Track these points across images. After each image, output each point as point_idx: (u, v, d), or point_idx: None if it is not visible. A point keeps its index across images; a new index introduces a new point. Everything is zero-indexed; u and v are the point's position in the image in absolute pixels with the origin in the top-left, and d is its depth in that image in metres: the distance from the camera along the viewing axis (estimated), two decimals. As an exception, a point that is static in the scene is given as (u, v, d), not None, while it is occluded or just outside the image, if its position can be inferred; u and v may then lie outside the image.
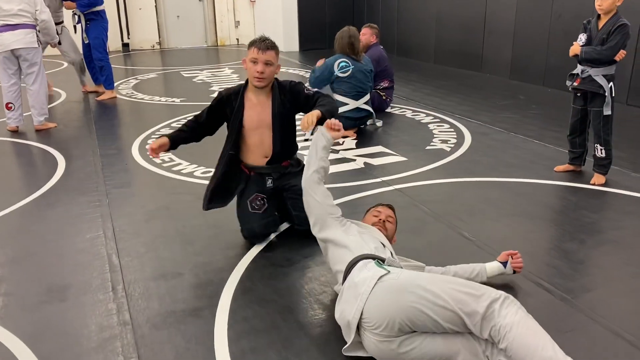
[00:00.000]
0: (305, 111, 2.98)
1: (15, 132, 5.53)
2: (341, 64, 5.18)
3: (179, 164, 4.45)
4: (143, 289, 2.61)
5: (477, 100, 6.59)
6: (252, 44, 2.97)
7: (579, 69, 3.78)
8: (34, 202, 3.76)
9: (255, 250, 2.97)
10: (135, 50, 12.39)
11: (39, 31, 5.54)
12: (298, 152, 3.31)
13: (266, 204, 3.09)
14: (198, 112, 3.14)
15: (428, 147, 4.79)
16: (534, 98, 6.65)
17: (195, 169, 4.30)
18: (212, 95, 7.13)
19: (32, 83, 5.58)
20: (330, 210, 2.48)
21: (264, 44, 2.93)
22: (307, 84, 4.53)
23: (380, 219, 2.61)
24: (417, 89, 7.39)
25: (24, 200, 3.77)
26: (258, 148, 3.10)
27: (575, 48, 3.74)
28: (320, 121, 2.72)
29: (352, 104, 5.21)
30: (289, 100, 3.09)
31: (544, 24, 7.10)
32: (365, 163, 4.41)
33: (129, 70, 9.78)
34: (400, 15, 10.36)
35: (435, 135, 5.15)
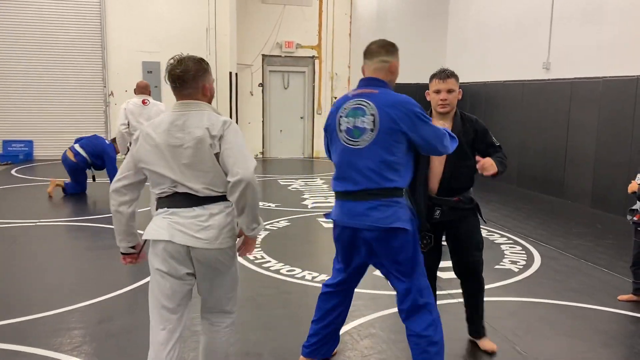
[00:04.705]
0: (481, 154, 3.15)
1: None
2: None
3: (268, 261, 5.07)
4: (229, 363, 3.13)
5: (553, 226, 6.80)
6: (433, 76, 3.16)
7: (638, 204, 4.07)
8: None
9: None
10: (239, 157, 13.75)
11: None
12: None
13: (432, 242, 3.15)
14: None
15: (497, 266, 5.09)
16: (612, 228, 6.74)
17: (282, 267, 4.89)
18: (303, 203, 7.93)
19: None
20: None
21: (444, 74, 3.12)
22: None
23: None
24: (496, 209, 7.72)
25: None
26: (434, 173, 3.16)
27: (634, 186, 4.06)
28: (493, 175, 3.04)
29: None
30: (473, 131, 3.17)
31: (624, 156, 7.34)
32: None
33: (232, 175, 10.90)
34: (486, 139, 10.89)
35: (505, 256, 5.44)
